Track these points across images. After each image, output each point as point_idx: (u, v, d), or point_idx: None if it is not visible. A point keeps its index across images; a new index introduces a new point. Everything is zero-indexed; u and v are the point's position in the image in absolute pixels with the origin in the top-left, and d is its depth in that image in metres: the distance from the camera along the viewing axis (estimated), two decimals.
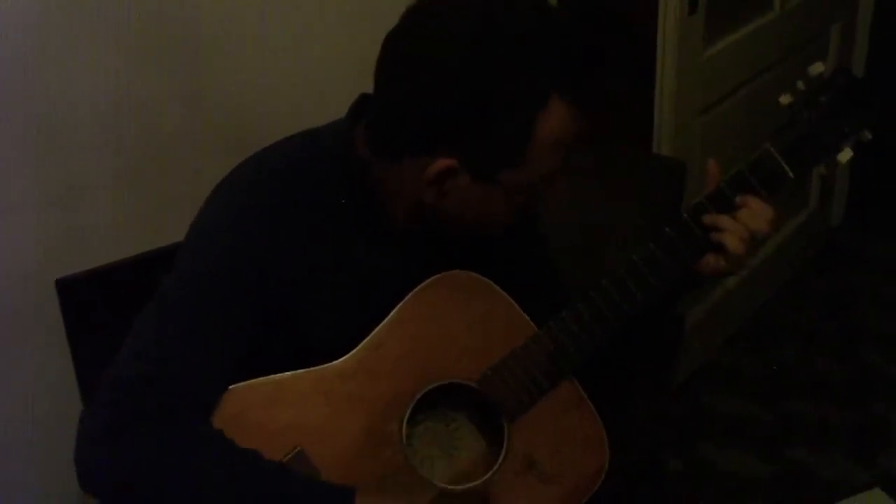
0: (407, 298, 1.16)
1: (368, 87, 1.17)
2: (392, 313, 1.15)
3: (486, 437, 1.23)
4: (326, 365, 1.14)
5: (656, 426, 1.97)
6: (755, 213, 1.14)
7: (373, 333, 1.15)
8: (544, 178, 1.11)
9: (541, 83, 1.04)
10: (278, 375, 1.12)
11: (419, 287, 1.16)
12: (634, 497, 1.72)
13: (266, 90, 1.72)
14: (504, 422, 1.19)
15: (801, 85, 1.18)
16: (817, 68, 1.18)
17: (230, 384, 1.11)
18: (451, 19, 1.05)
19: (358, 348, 1.14)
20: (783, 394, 2.59)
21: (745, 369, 2.71)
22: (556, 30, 1.05)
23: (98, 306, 1.36)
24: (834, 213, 3.29)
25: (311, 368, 1.13)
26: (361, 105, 1.16)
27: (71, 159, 1.51)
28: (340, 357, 1.14)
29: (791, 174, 1.16)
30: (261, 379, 1.12)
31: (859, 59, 3.07)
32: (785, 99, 1.19)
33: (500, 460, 1.19)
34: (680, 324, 2.05)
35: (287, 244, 1.11)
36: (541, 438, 1.21)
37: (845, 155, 1.19)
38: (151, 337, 1.08)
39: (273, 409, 1.12)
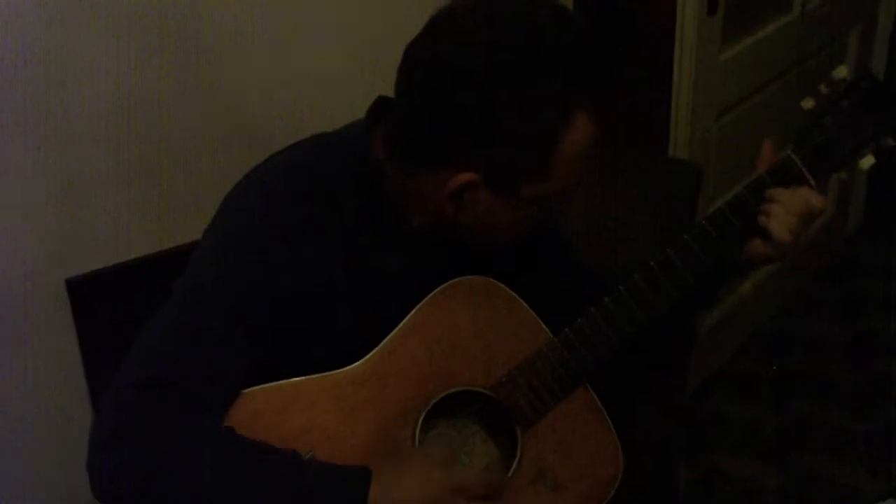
0: (422, 304, 1.15)
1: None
2: (406, 318, 1.14)
3: (498, 444, 1.22)
4: (340, 370, 1.12)
5: (669, 434, 1.95)
6: (796, 195, 1.13)
7: (387, 339, 1.14)
8: (563, 190, 1.10)
9: (564, 98, 1.03)
10: (291, 380, 1.11)
11: (434, 292, 1.15)
12: None
13: (277, 87, 1.71)
14: (517, 429, 1.18)
15: (823, 89, 1.17)
16: (840, 72, 1.16)
17: (242, 389, 1.09)
18: (474, 32, 1.03)
19: (372, 353, 1.13)
20: (796, 401, 2.57)
21: (757, 377, 2.69)
22: (579, 43, 1.04)
23: (109, 306, 1.36)
24: (851, 220, 3.26)
25: (325, 373, 1.12)
26: (379, 108, 1.15)
27: (82, 159, 1.50)
28: (354, 361, 1.13)
29: (812, 181, 1.15)
30: (274, 383, 1.11)
31: (879, 62, 3.04)
32: (807, 103, 1.17)
33: (512, 468, 1.17)
34: (691, 331, 2.03)
35: (301, 250, 1.10)
36: (554, 447, 1.20)
37: (867, 161, 1.17)
38: (162, 341, 1.07)
39: (285, 414, 1.11)
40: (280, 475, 1.04)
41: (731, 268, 1.21)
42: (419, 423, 1.14)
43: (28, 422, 1.54)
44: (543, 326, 1.19)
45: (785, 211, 1.13)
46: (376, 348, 1.13)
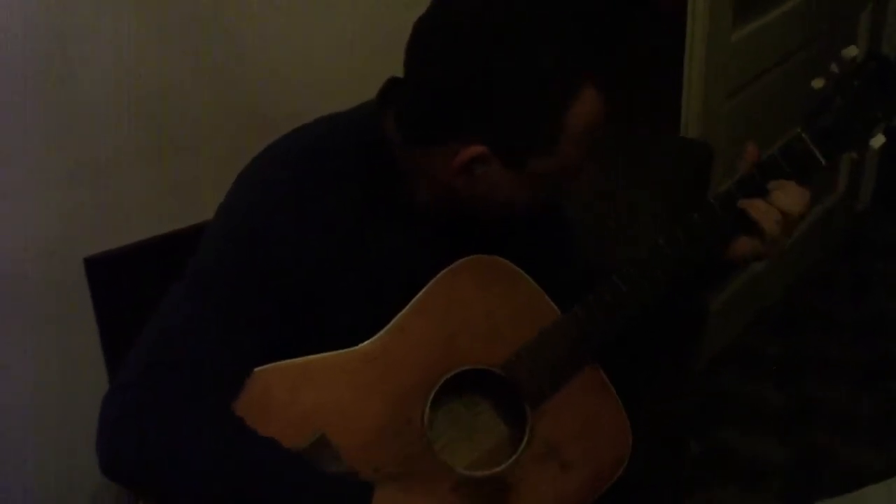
0: (431, 283, 1.16)
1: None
2: (416, 297, 1.15)
3: (508, 422, 1.23)
4: (351, 348, 1.14)
5: (678, 410, 1.97)
6: (789, 194, 1.12)
7: (397, 317, 1.15)
8: (572, 165, 1.10)
9: (574, 70, 1.04)
10: (303, 358, 1.13)
11: (444, 271, 1.16)
12: (655, 481, 1.72)
13: (295, 67, 1.72)
14: (526, 407, 1.19)
15: (834, 68, 1.16)
16: (851, 52, 1.16)
17: (252, 369, 1.11)
18: (484, 4, 1.03)
19: (382, 332, 1.14)
20: (805, 378, 2.58)
21: (767, 353, 2.69)
22: (590, 15, 1.04)
23: (126, 285, 1.37)
24: (861, 197, 3.26)
25: (336, 352, 1.13)
26: (390, 89, 1.16)
27: (100, 137, 1.51)
28: (364, 341, 1.14)
29: (823, 161, 1.15)
30: (285, 361, 1.12)
31: (890, 42, 3.02)
32: (817, 83, 1.17)
33: (521, 446, 1.19)
34: (703, 307, 2.04)
35: (311, 229, 1.11)
36: (563, 425, 1.20)
37: (878, 140, 1.17)
38: (174, 321, 1.08)
39: (297, 392, 1.12)
40: (283, 479, 1.06)
41: (721, 265, 1.19)
42: (429, 402, 1.15)
43: (46, 399, 1.56)
44: (552, 304, 1.20)
45: (772, 207, 1.12)
46: (387, 327, 1.14)
